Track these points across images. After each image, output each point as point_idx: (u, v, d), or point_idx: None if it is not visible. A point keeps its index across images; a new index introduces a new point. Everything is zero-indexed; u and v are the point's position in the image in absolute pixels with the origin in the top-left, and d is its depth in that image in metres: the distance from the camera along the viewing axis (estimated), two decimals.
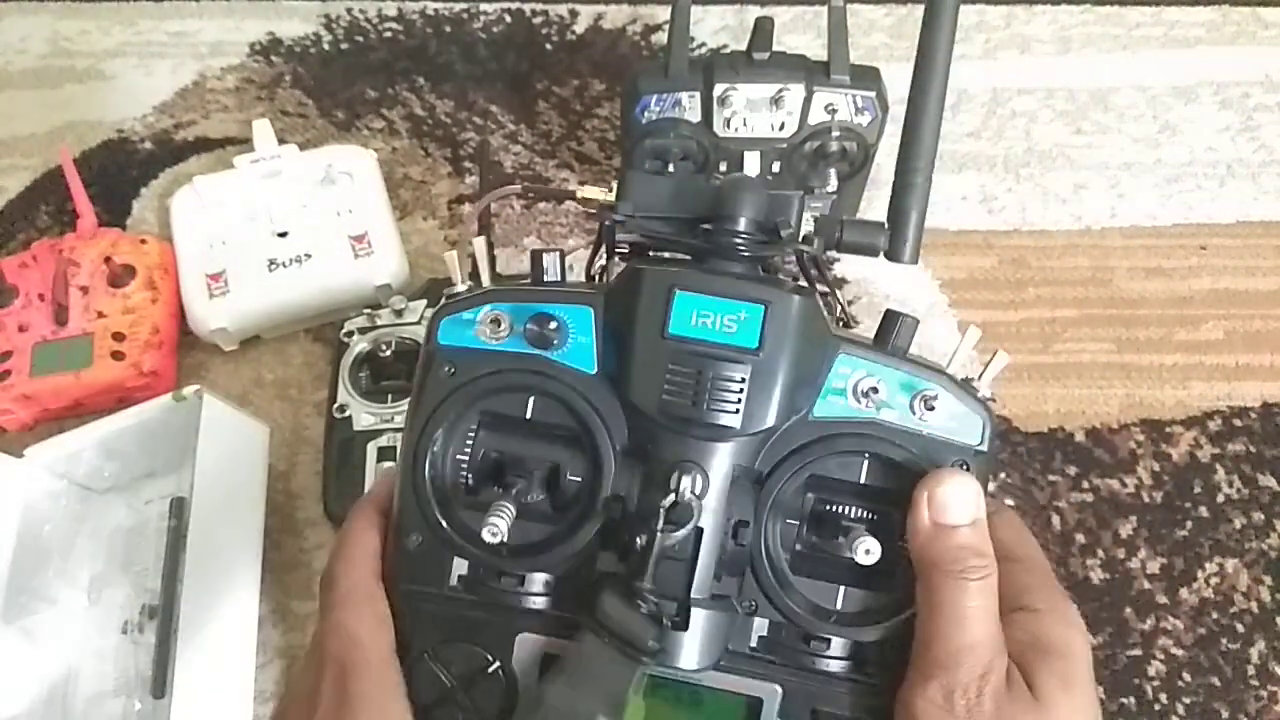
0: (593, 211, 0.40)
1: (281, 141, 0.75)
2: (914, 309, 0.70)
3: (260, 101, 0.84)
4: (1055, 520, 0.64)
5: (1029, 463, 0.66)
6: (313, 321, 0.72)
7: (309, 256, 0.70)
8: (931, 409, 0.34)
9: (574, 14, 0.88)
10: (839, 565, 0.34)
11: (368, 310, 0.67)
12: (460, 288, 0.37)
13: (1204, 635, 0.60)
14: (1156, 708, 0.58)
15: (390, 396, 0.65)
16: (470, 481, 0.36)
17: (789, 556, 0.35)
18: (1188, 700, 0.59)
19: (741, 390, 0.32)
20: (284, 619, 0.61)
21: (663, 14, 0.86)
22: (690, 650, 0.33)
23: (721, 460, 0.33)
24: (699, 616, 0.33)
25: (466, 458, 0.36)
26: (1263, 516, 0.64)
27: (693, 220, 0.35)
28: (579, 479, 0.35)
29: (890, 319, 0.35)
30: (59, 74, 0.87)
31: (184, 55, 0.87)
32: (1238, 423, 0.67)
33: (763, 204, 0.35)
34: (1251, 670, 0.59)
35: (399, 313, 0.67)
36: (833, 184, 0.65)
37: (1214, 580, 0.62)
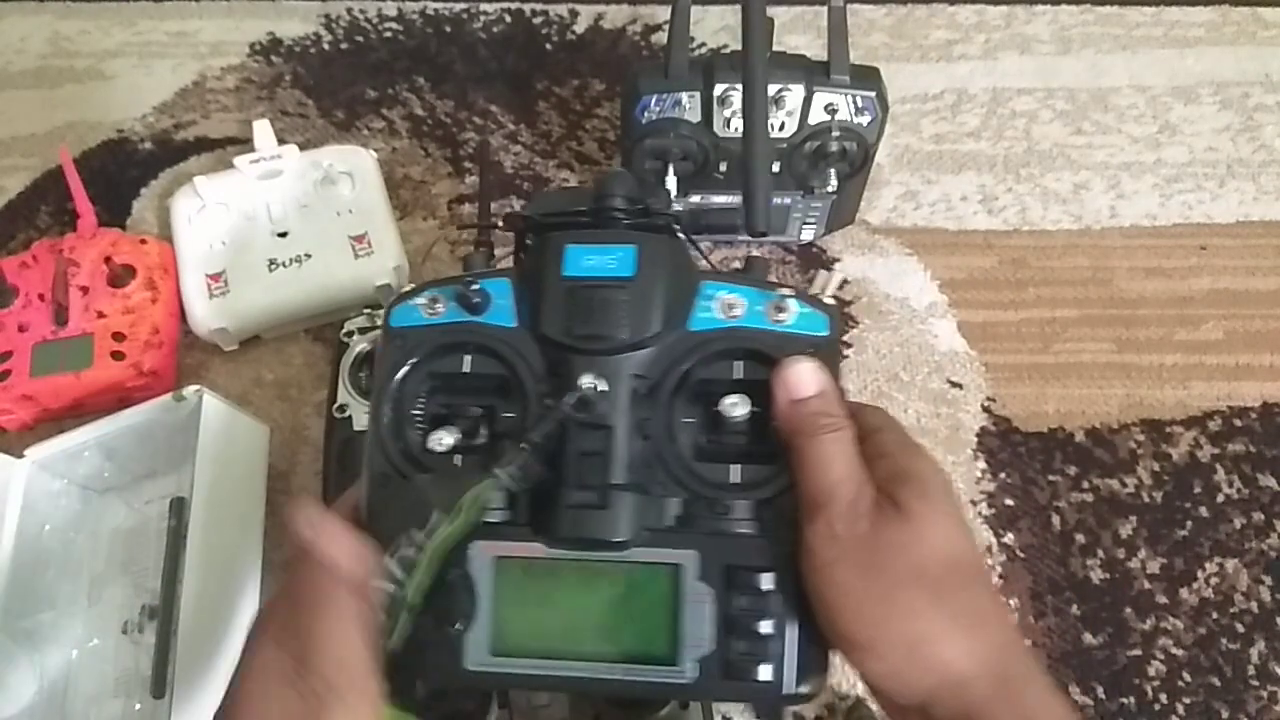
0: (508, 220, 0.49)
1: (281, 141, 0.75)
2: (914, 309, 0.71)
3: (260, 101, 0.84)
4: (1055, 520, 0.64)
5: (1029, 463, 0.66)
6: (313, 321, 0.72)
7: (309, 256, 0.70)
8: (783, 311, 0.41)
9: (574, 14, 0.88)
10: (732, 449, 0.41)
11: (368, 310, 0.67)
12: (409, 288, 0.45)
13: (1204, 635, 0.60)
14: (1156, 708, 0.58)
15: None
16: (426, 432, 0.42)
17: (691, 448, 0.42)
18: (1188, 700, 0.59)
19: (626, 309, 0.40)
20: None
21: (663, 14, 0.86)
22: (614, 525, 0.39)
23: (621, 369, 0.41)
24: (618, 498, 0.39)
25: (421, 412, 0.43)
26: (1263, 516, 0.64)
27: (583, 211, 0.44)
28: (512, 415, 0.42)
29: (750, 261, 0.45)
30: (59, 74, 0.87)
31: (184, 55, 0.87)
32: (1238, 423, 0.67)
33: (632, 185, 0.45)
34: (1251, 670, 0.59)
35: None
36: (833, 184, 0.65)
37: (1214, 580, 0.62)
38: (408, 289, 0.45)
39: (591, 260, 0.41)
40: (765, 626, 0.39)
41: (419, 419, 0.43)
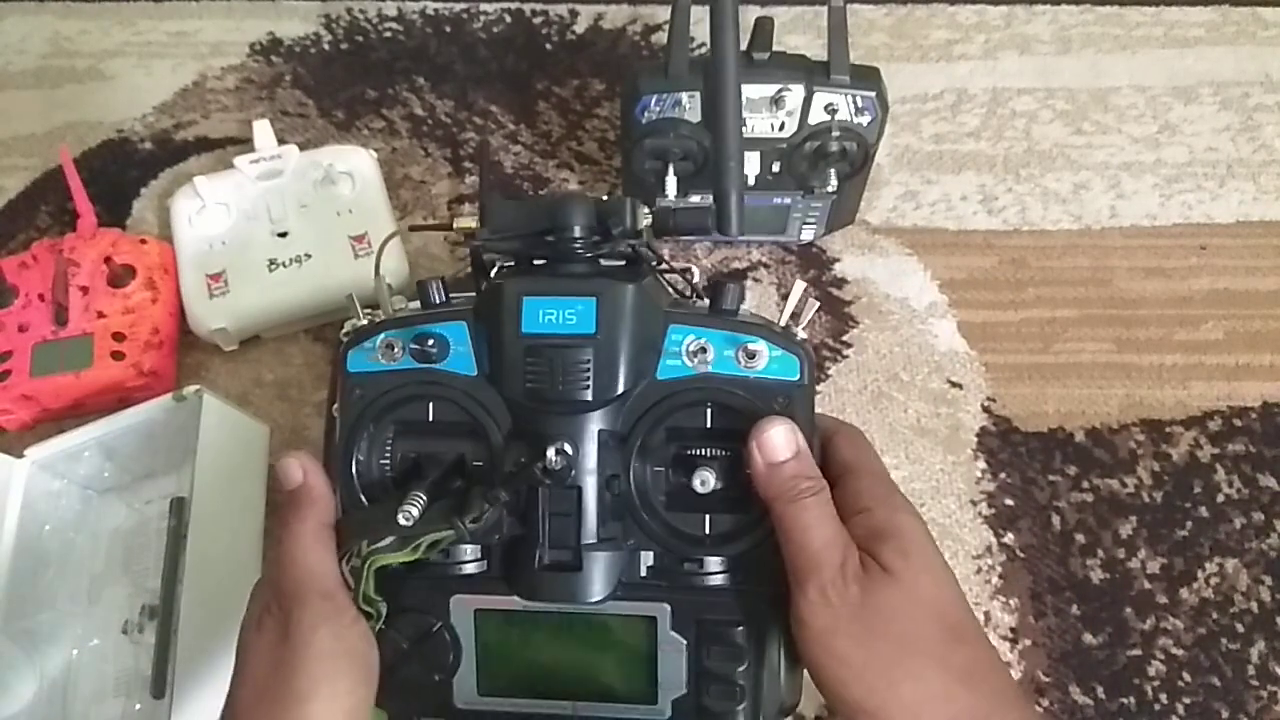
0: (465, 240, 0.47)
1: (281, 141, 0.75)
2: (914, 309, 0.71)
3: (260, 101, 0.84)
4: (1055, 520, 0.64)
5: (1029, 463, 0.66)
6: (313, 321, 0.72)
7: (309, 256, 0.70)
8: (753, 356, 0.40)
9: (574, 14, 0.88)
10: (704, 499, 0.41)
11: (368, 310, 0.67)
12: (362, 322, 0.44)
13: (1204, 635, 0.60)
14: (1156, 708, 0.58)
15: None
16: (395, 480, 0.43)
17: (663, 498, 0.41)
18: (1188, 700, 0.59)
19: (588, 369, 0.39)
20: None
21: (663, 14, 0.86)
22: (587, 587, 0.39)
23: (587, 429, 0.40)
24: (591, 558, 0.39)
25: (388, 461, 0.43)
26: (1263, 516, 0.64)
27: (542, 233, 0.42)
28: (481, 463, 0.41)
29: (718, 288, 0.41)
30: (59, 74, 0.87)
31: (184, 55, 0.87)
32: (1238, 423, 0.67)
33: (591, 212, 0.42)
34: (1251, 670, 0.59)
35: (399, 313, 0.67)
36: (833, 184, 0.65)
37: (1214, 580, 0.62)
38: (363, 326, 0.44)
39: (550, 314, 0.39)
40: (739, 675, 0.40)
41: (386, 465, 0.43)
